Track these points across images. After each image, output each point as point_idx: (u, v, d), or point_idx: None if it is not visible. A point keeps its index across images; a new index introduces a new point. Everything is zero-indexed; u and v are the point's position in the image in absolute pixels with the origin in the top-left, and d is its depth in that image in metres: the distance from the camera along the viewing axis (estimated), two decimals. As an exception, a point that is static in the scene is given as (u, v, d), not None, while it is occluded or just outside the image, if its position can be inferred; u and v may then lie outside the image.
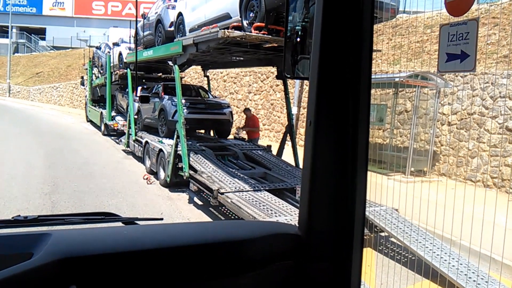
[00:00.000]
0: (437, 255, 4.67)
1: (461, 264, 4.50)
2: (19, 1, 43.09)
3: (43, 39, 44.57)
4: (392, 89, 10.25)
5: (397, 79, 8.81)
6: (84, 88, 21.13)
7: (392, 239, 5.65)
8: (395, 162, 9.86)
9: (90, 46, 27.90)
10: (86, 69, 19.85)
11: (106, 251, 1.07)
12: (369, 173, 1.16)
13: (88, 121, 20.16)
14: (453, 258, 4.56)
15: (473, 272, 4.33)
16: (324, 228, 1.17)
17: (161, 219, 1.60)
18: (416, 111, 9.87)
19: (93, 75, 19.01)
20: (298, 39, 1.30)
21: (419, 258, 4.69)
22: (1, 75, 36.87)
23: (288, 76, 1.35)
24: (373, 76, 1.13)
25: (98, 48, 19.06)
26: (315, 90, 1.12)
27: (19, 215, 1.41)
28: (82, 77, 22.14)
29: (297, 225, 1.25)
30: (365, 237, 5.59)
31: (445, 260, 4.53)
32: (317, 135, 1.13)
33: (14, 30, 40.34)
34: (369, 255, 5.13)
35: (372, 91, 1.16)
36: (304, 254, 1.20)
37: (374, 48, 1.13)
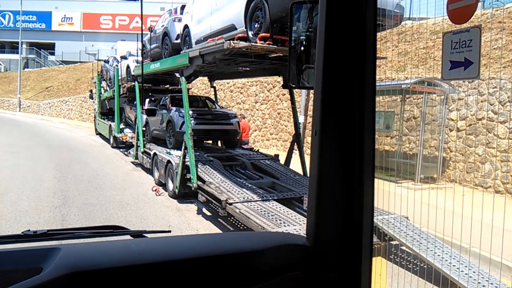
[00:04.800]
0: (449, 262, 4.61)
1: (474, 272, 4.42)
2: (29, 17, 43.92)
3: (52, 54, 45.31)
4: (399, 95, 10.22)
5: (403, 86, 8.78)
6: (93, 102, 21.35)
7: (403, 248, 5.58)
8: (404, 169, 9.78)
9: (98, 60, 28.34)
10: (95, 82, 20.06)
11: (115, 264, 1.07)
12: (378, 181, 1.16)
13: (97, 134, 20.33)
14: (465, 266, 4.49)
15: (486, 280, 4.26)
16: (332, 237, 1.16)
17: (169, 231, 1.61)
18: (424, 117, 9.81)
19: (102, 88, 19.19)
20: (302, 49, 1.31)
21: (430, 266, 4.63)
22: (12, 90, 37.44)
23: (293, 85, 1.36)
24: (379, 83, 1.13)
25: (106, 61, 19.31)
26: (320, 99, 1.12)
27: (29, 230, 1.42)
28: (91, 91, 22.41)
29: (305, 235, 1.25)
30: (375, 246, 5.53)
31: (458, 269, 4.46)
32: (323, 145, 1.13)
33: (24, 45, 41.03)
34: (379, 264, 5.07)
35: (379, 98, 1.16)
36: (312, 264, 1.19)
37: (380, 55, 1.13)
